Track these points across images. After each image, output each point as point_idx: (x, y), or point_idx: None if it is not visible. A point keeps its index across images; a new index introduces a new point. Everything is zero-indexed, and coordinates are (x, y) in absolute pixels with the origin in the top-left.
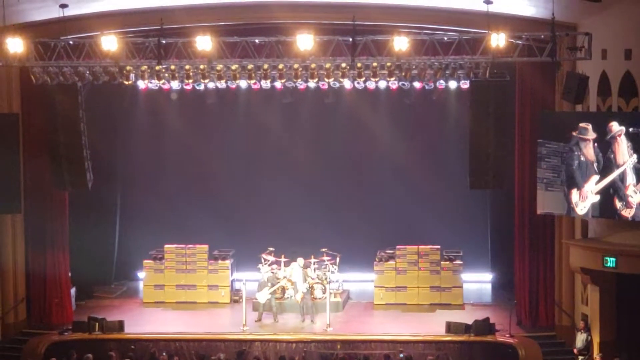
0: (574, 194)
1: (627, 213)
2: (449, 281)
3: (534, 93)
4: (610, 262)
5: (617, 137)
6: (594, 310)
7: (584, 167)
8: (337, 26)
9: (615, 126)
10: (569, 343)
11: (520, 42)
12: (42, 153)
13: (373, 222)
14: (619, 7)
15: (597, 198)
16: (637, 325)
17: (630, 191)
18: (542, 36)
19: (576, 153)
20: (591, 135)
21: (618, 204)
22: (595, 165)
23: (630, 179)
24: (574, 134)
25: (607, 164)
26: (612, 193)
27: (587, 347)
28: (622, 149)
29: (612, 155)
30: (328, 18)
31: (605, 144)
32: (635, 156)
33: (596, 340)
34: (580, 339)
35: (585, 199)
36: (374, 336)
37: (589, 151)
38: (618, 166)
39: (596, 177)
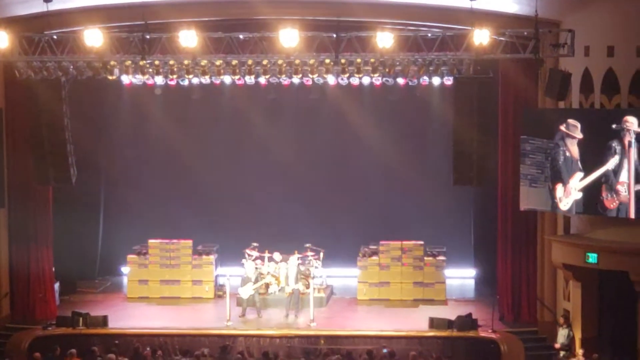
0: (559, 189)
1: (611, 204)
2: (432, 277)
3: (517, 90)
4: (592, 258)
5: (627, 133)
6: (575, 306)
7: (569, 162)
8: (321, 22)
9: (631, 121)
10: (550, 339)
11: (503, 38)
12: (25, 148)
13: (357, 217)
14: (601, 4)
15: (579, 195)
16: (619, 322)
17: (621, 186)
18: (525, 33)
19: (562, 148)
20: (578, 134)
21: (604, 192)
22: (579, 163)
23: (625, 177)
24: (562, 128)
25: (606, 157)
26: (601, 182)
27: (569, 343)
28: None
29: (619, 148)
30: (312, 14)
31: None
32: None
33: (578, 336)
34: (562, 334)
35: (569, 195)
36: (357, 331)
37: (574, 148)
38: (622, 164)
39: (580, 174)
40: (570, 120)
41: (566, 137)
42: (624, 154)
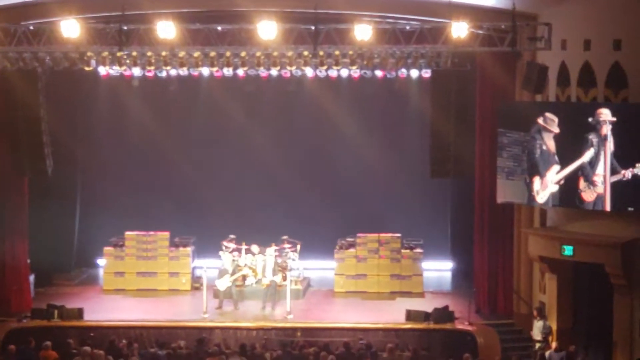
0: (536, 182)
1: (588, 196)
2: (409, 269)
3: (494, 83)
4: (568, 250)
5: (602, 125)
6: (551, 299)
7: (545, 155)
8: (300, 14)
9: (605, 113)
10: (526, 330)
11: (481, 31)
12: (1, 139)
13: (334, 209)
14: None
15: (556, 188)
16: (593, 313)
17: (597, 178)
18: (503, 26)
19: (538, 141)
20: (555, 129)
21: (582, 184)
22: (555, 156)
23: (601, 169)
24: (539, 121)
25: (585, 151)
26: (578, 175)
27: (546, 335)
28: (608, 137)
29: (595, 140)
30: (290, 6)
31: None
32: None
33: (553, 328)
34: (537, 326)
35: (545, 187)
36: (334, 324)
37: (551, 142)
38: (598, 157)
39: (557, 167)
40: (548, 114)
41: (543, 130)
42: (601, 146)
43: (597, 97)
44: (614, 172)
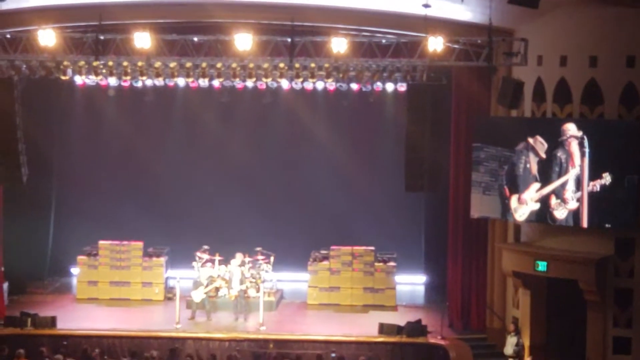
0: (514, 200)
1: (559, 214)
2: (383, 282)
3: (470, 97)
4: (542, 266)
5: (570, 141)
6: (524, 314)
7: (527, 174)
8: (276, 27)
9: (571, 129)
10: (499, 346)
11: (457, 46)
12: None
13: (308, 222)
14: (555, 14)
15: (537, 206)
16: (567, 329)
17: (568, 195)
18: (479, 41)
19: (524, 158)
20: (542, 154)
21: (553, 202)
22: (537, 175)
23: (570, 185)
24: (529, 140)
25: (555, 168)
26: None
27: (518, 351)
28: (576, 153)
29: (564, 157)
30: (267, 18)
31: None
32: (579, 166)
33: (526, 343)
34: (511, 342)
35: (523, 204)
36: (307, 336)
37: (534, 164)
38: (567, 171)
39: (537, 185)
40: (539, 138)
41: (531, 150)
42: (569, 162)
43: (573, 112)
44: (578, 187)
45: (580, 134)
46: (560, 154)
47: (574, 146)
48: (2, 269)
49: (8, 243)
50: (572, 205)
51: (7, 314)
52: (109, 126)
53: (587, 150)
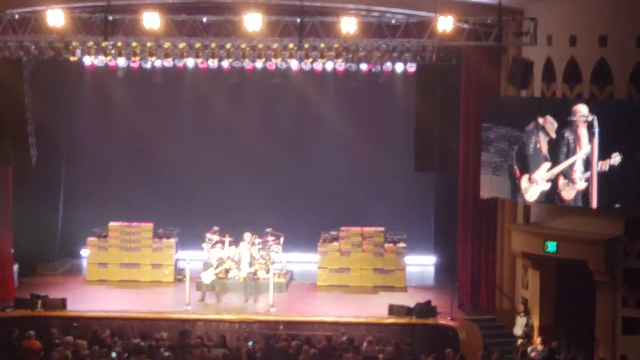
0: (524, 180)
1: (567, 195)
2: (392, 264)
3: (479, 77)
4: (551, 247)
5: (578, 123)
6: (533, 295)
7: (537, 154)
8: (286, 7)
9: (582, 110)
10: (508, 326)
11: (466, 26)
12: None
13: (318, 203)
14: None
15: (548, 185)
16: (576, 310)
17: (577, 175)
18: (489, 21)
19: (534, 138)
20: (552, 133)
21: (561, 183)
22: (547, 154)
23: (578, 166)
24: (539, 120)
25: (563, 148)
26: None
27: (528, 332)
28: (584, 135)
29: (571, 138)
30: None
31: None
32: (589, 146)
33: (536, 324)
34: (520, 322)
35: (534, 184)
36: (317, 317)
37: (544, 144)
38: (574, 152)
39: (547, 165)
40: (549, 118)
41: (541, 130)
42: (577, 143)
43: (583, 92)
44: (587, 167)
45: (590, 116)
46: (567, 134)
47: (582, 128)
48: (12, 250)
49: (18, 225)
50: (581, 185)
51: (17, 296)
52: (118, 107)
53: (596, 130)
